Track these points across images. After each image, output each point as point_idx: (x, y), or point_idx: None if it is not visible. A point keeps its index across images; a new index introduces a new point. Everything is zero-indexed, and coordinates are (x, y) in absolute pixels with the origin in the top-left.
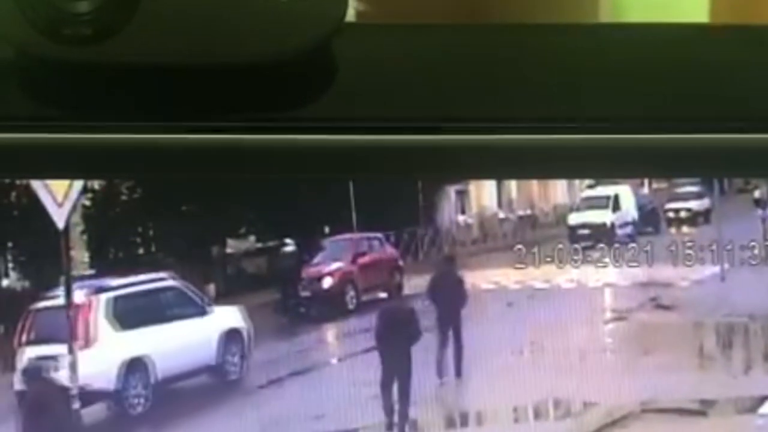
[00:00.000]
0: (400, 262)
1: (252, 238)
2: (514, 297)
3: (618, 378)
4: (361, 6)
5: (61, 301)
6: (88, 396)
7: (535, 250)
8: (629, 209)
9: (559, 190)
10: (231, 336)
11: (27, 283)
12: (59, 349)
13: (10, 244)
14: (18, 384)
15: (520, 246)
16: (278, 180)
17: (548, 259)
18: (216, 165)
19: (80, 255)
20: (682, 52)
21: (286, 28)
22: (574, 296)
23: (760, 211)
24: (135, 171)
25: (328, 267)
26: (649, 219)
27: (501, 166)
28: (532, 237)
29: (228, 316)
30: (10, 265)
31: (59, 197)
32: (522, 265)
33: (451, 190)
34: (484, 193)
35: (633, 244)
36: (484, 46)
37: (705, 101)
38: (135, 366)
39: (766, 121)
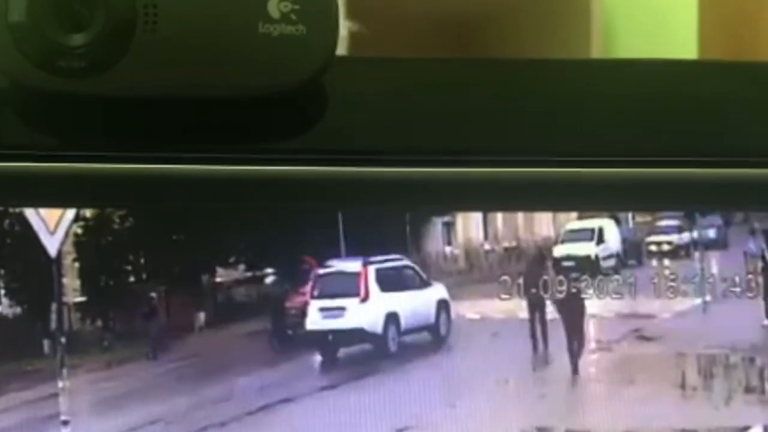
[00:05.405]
0: None
1: (241, 266)
2: (499, 327)
3: (601, 408)
4: (355, 27)
5: (338, 268)
6: (364, 336)
7: (521, 281)
8: (613, 242)
9: (544, 223)
10: (442, 304)
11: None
12: (340, 302)
13: (2, 272)
14: (309, 325)
15: (505, 277)
16: (268, 210)
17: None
18: (206, 195)
19: (72, 282)
20: (667, 88)
21: (278, 62)
22: (559, 327)
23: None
24: (127, 200)
25: None
26: (633, 252)
27: (488, 198)
28: (517, 268)
29: (440, 290)
30: (2, 291)
31: (51, 225)
32: (507, 296)
33: (438, 222)
34: (471, 224)
35: (616, 277)
36: (473, 80)
37: (688, 136)
38: (391, 318)
39: (748, 155)
